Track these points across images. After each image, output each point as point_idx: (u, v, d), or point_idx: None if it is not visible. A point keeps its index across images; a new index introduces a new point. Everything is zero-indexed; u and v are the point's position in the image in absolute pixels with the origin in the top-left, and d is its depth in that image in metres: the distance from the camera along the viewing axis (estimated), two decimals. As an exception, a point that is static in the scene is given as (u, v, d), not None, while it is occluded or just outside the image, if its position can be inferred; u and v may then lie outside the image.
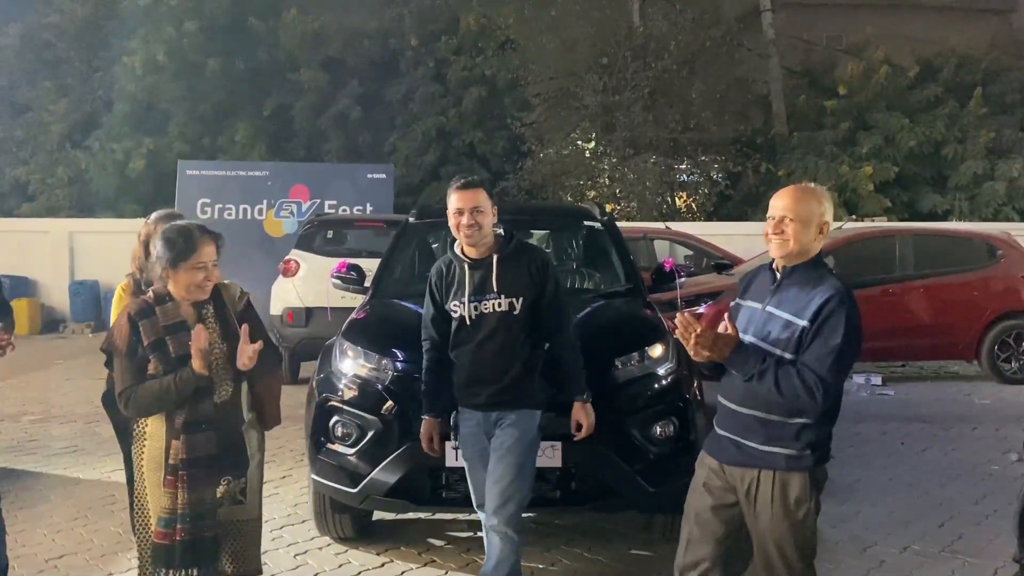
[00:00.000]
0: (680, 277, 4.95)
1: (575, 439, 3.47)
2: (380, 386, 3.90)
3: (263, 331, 3.05)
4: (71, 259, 13.41)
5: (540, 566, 4.03)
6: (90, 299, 12.88)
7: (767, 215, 2.61)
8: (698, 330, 2.48)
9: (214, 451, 2.83)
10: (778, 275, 2.63)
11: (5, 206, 18.74)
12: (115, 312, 3.60)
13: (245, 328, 2.89)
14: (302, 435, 5.99)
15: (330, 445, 3.95)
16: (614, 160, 17.75)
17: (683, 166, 18.33)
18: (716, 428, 2.73)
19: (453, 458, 3.68)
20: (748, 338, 2.58)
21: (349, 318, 4.59)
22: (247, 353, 2.85)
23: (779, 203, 2.58)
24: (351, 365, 4.04)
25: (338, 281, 5.26)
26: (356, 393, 3.93)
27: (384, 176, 13.86)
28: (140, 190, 17.32)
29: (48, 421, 7.02)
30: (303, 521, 4.63)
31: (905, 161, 17.08)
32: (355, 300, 5.46)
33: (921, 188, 17.35)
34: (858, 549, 4.27)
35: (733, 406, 2.64)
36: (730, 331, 2.55)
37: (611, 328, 4.28)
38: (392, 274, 5.08)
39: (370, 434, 3.83)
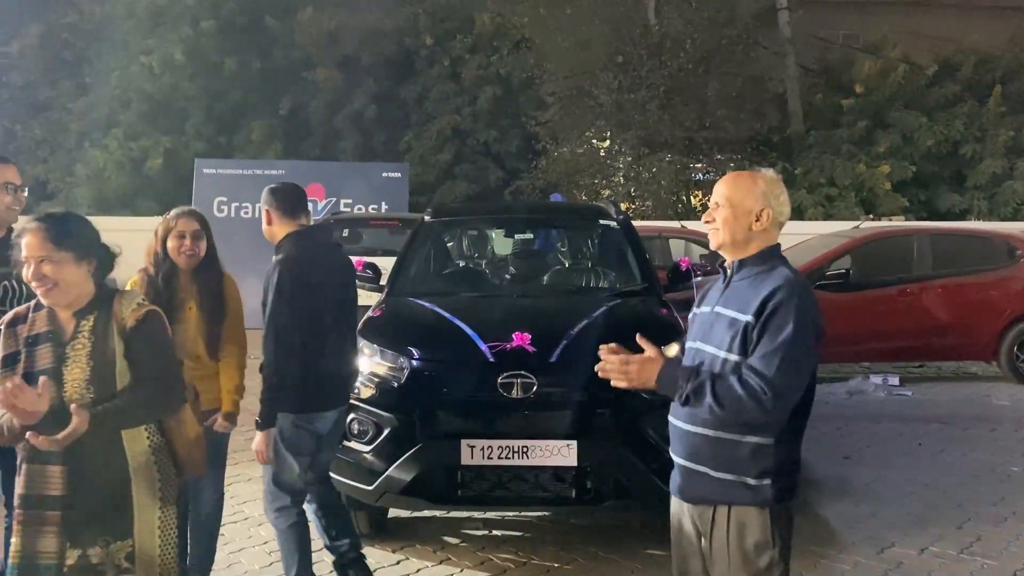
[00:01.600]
0: (696, 276, 4.92)
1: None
2: (396, 384, 3.91)
3: (157, 361, 2.39)
4: (89, 257, 13.51)
5: (555, 565, 4.03)
6: (108, 296, 12.98)
7: None
8: (625, 366, 2.26)
9: (60, 491, 2.24)
10: (729, 272, 2.37)
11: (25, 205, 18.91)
12: None
13: (45, 381, 2.17)
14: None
15: (346, 442, 3.97)
16: (629, 159, 17.73)
17: (699, 165, 18.27)
18: (672, 455, 2.40)
19: (469, 456, 3.70)
20: (691, 344, 2.36)
21: (365, 316, 4.61)
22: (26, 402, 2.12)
23: (716, 188, 2.37)
24: (367, 363, 4.05)
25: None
26: (372, 391, 3.95)
27: (399, 175, 13.90)
28: (157, 188, 17.44)
29: (67, 417, 7.07)
30: (319, 518, 4.64)
31: (923, 160, 16.96)
32: (371, 298, 5.48)
33: (939, 187, 17.23)
34: (875, 550, 4.24)
35: (681, 425, 2.32)
36: (649, 352, 2.27)
37: (626, 327, 4.25)
38: (407, 272, 5.09)
39: (386, 432, 3.84)
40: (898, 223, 12.85)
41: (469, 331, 4.01)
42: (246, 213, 13.21)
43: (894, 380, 8.58)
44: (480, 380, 3.80)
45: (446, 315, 4.25)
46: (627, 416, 3.73)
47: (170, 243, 3.45)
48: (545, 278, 5.43)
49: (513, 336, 3.87)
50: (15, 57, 20.49)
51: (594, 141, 18.66)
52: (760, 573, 2.23)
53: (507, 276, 5.50)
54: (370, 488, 3.86)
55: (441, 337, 4.14)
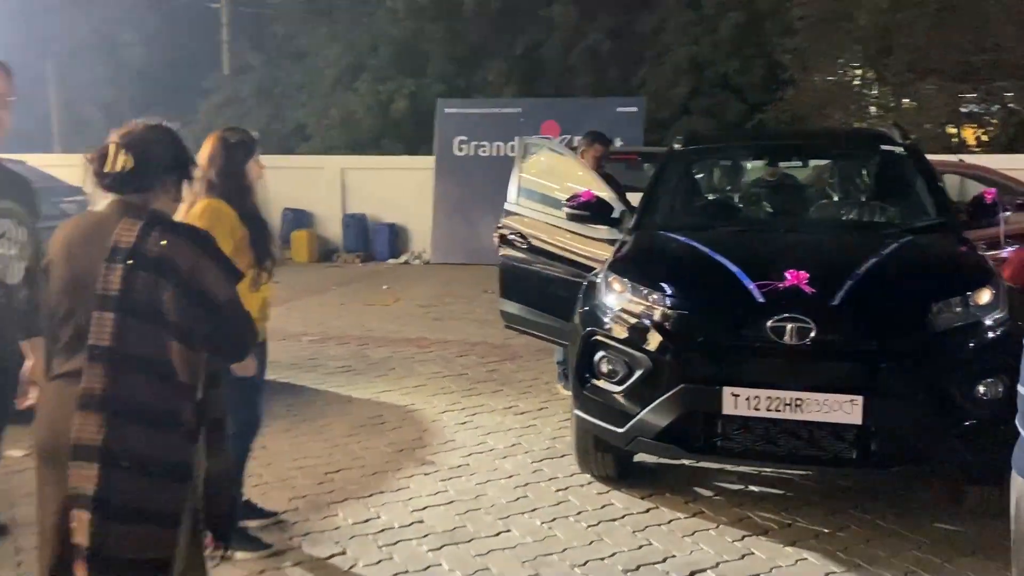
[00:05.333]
0: (1006, 211, 4.16)
1: None
2: (650, 322, 3.62)
3: None
4: (343, 194, 14.39)
5: (825, 530, 3.60)
6: (360, 231, 13.79)
7: None
8: None
9: None
10: None
11: (287, 146, 20.55)
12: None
13: None
14: (553, 368, 5.96)
15: (595, 381, 3.77)
16: (887, 88, 15.97)
17: (972, 95, 16.07)
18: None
19: (732, 406, 3.36)
20: None
21: (613, 251, 4.33)
22: None
23: None
24: (618, 299, 3.80)
25: (573, 211, 4.65)
26: (624, 328, 3.70)
27: (635, 109, 13.49)
28: (402, 129, 18.21)
29: (325, 342, 7.54)
30: (562, 456, 4.51)
31: None
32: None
33: None
34: None
35: None
36: None
37: (926, 267, 3.68)
38: (657, 205, 4.74)
39: (639, 373, 3.58)
40: None
41: (733, 267, 3.62)
42: (484, 151, 13.46)
43: None
44: (746, 322, 3.43)
45: (705, 250, 3.88)
46: (927, 372, 3.20)
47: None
48: (812, 212, 4.86)
49: (786, 275, 3.43)
50: (278, 8, 22.11)
51: (851, 68, 16.96)
52: None
53: (768, 210, 4.98)
54: (621, 431, 3.63)
55: (700, 273, 3.79)
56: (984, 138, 15.94)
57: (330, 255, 13.85)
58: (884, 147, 4.73)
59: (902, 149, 4.59)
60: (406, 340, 7.47)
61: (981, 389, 3.21)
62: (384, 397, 5.71)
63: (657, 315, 3.62)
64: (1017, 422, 1.98)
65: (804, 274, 3.40)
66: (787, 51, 16.38)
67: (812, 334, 3.28)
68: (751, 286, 3.48)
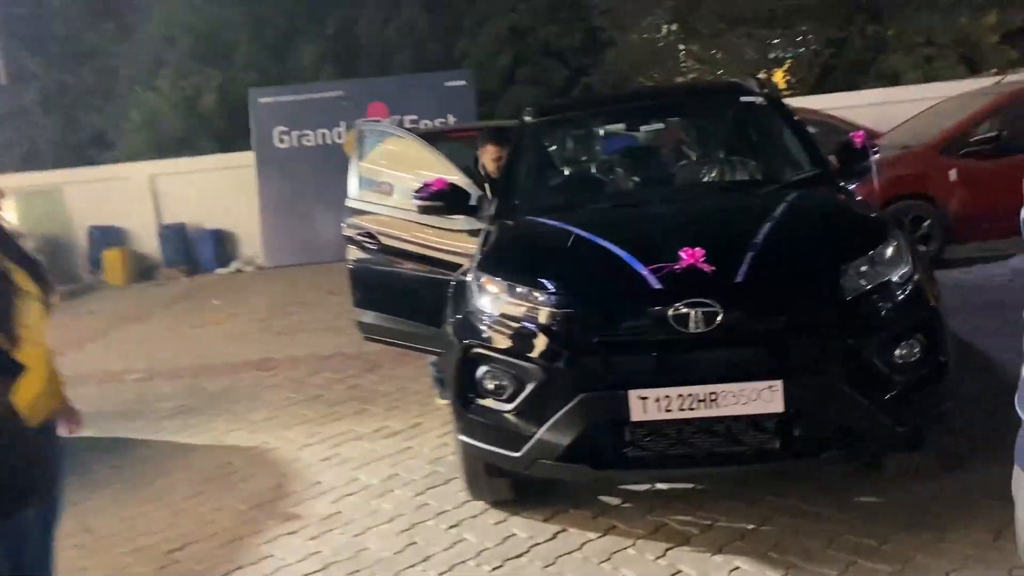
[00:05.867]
0: (875, 153, 3.97)
1: None
2: (534, 325, 3.14)
3: None
4: (156, 203, 13.06)
5: (749, 526, 3.27)
6: (180, 242, 12.58)
7: None
8: None
9: None
10: None
11: (87, 157, 18.55)
12: None
13: None
14: (423, 373, 5.40)
15: (480, 401, 3.25)
16: (698, 42, 16.33)
17: (777, 41, 16.73)
18: None
19: (640, 411, 2.94)
20: None
21: (480, 246, 3.80)
22: None
23: None
24: (495, 302, 3.29)
25: (424, 203, 4.03)
26: (506, 337, 3.19)
27: (463, 83, 13.00)
28: (214, 125, 16.81)
29: (153, 378, 6.60)
30: (448, 481, 3.98)
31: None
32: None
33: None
34: None
35: None
36: None
37: (824, 227, 3.39)
38: (518, 187, 4.24)
39: (530, 386, 3.10)
40: (1028, 76, 11.33)
41: (620, 252, 3.19)
42: (309, 141, 12.57)
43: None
44: (645, 314, 3.00)
45: (585, 234, 3.42)
46: (845, 344, 2.91)
47: None
48: (682, 177, 4.53)
49: (680, 254, 3.03)
50: (54, 6, 19.83)
51: (663, 25, 17.21)
52: None
53: (635, 179, 4.60)
54: (517, 455, 3.14)
55: (584, 263, 3.33)
56: (793, 81, 16.63)
57: (150, 272, 12.56)
58: (743, 98, 4.45)
59: (762, 99, 4.33)
60: (248, 364, 6.65)
61: (901, 352, 2.96)
62: (230, 439, 4.96)
63: (542, 317, 3.13)
64: (1017, 406, 1.68)
65: (699, 251, 3.01)
66: (602, 12, 16.39)
67: (719, 318, 2.90)
68: (644, 271, 3.06)
